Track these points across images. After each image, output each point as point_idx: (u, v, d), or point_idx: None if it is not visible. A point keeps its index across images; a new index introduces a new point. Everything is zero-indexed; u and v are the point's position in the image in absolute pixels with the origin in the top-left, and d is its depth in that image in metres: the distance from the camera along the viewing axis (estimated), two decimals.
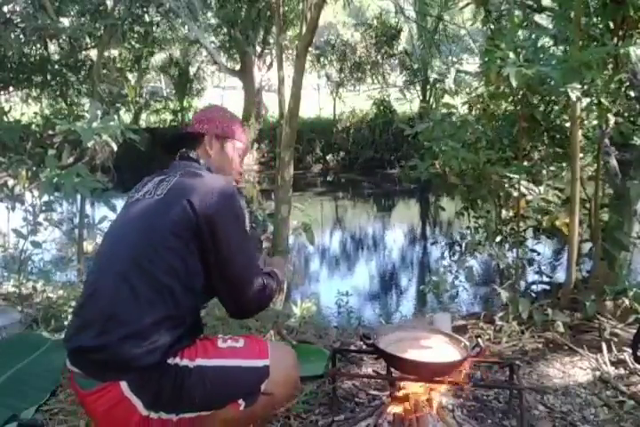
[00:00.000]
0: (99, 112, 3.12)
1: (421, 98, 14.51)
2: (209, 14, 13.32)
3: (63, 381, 2.25)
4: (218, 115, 1.77)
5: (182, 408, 1.41)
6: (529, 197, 3.08)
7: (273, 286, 1.59)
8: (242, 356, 1.48)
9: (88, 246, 4.50)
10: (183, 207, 1.43)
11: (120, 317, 1.36)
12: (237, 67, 15.90)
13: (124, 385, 1.35)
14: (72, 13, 6.37)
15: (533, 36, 2.66)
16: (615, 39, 2.73)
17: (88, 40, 6.57)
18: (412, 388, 1.89)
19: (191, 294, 1.44)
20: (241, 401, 1.44)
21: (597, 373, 2.41)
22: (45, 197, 3.13)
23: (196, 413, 1.42)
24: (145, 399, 1.37)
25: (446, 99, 3.65)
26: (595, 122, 3.02)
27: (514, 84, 2.34)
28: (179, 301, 1.41)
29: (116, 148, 3.17)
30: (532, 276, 3.64)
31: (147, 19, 7.03)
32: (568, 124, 3.11)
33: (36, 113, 8.17)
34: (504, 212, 3.41)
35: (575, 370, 2.46)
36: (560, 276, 3.67)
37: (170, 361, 1.38)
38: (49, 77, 7.08)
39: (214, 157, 1.72)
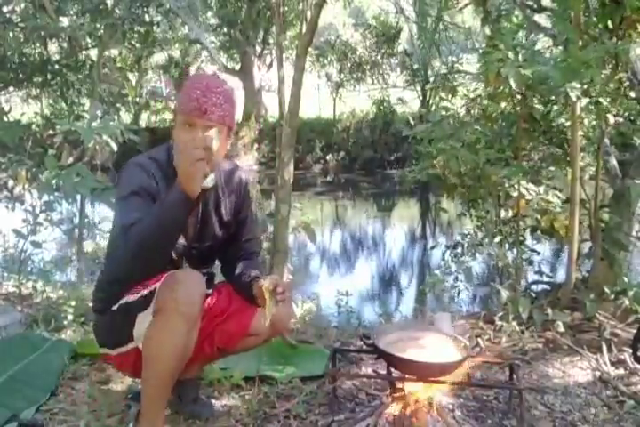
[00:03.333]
0: (99, 112, 3.13)
1: (421, 98, 14.51)
2: (209, 14, 13.33)
3: (63, 381, 2.26)
4: (232, 106, 1.67)
5: (115, 344, 1.71)
6: (528, 198, 3.08)
7: (138, 227, 1.49)
8: (145, 288, 1.62)
9: (88, 246, 4.51)
10: None
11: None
12: (237, 67, 15.90)
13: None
14: (72, 13, 6.37)
15: (532, 36, 2.66)
16: (614, 39, 2.73)
17: (88, 40, 6.57)
18: (412, 388, 1.89)
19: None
20: (137, 323, 1.62)
21: (597, 373, 2.41)
22: (45, 197, 3.13)
23: (126, 346, 1.68)
24: (97, 339, 1.78)
25: (445, 99, 3.65)
26: (594, 122, 3.02)
27: (513, 84, 2.34)
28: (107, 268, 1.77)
29: (116, 148, 3.17)
30: (531, 276, 3.64)
31: (147, 19, 7.03)
32: (567, 124, 3.12)
33: (36, 113, 8.17)
34: (503, 212, 3.41)
35: (575, 370, 2.46)
36: (560, 276, 3.67)
37: (112, 308, 1.68)
38: (49, 77, 7.08)
39: (177, 134, 1.66)
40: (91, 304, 1.86)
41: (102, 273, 1.82)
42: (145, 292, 1.60)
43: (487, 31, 3.26)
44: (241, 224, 1.87)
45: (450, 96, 3.60)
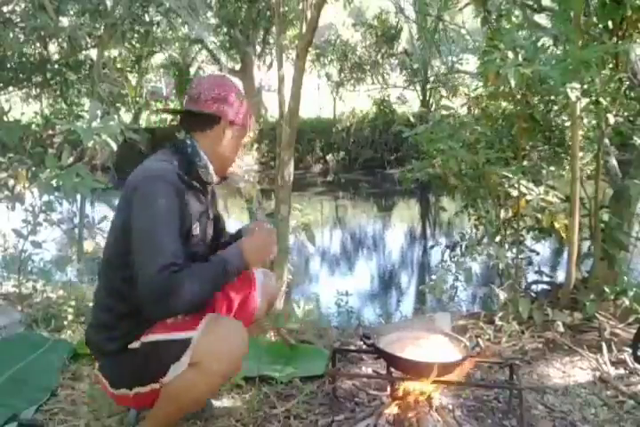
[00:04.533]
0: (99, 112, 3.12)
1: (421, 98, 14.51)
2: (209, 14, 13.32)
3: (63, 381, 2.26)
4: (235, 97, 1.62)
5: (136, 384, 1.57)
6: (528, 197, 3.08)
7: (189, 285, 1.37)
8: (178, 329, 1.49)
9: (88, 246, 4.50)
10: (121, 204, 1.54)
11: (94, 311, 1.68)
12: (237, 67, 15.89)
13: (97, 365, 1.67)
14: (72, 13, 6.37)
15: (532, 35, 2.66)
16: (614, 39, 2.73)
17: (88, 40, 6.57)
18: (412, 388, 1.89)
19: (132, 285, 1.43)
20: (170, 371, 1.48)
21: (597, 373, 2.41)
22: (45, 197, 3.13)
23: (147, 387, 1.55)
24: (110, 380, 1.61)
25: (445, 99, 3.65)
26: (594, 122, 3.02)
27: (512, 84, 2.34)
28: (123, 295, 1.54)
29: (115, 148, 3.17)
30: (531, 276, 3.64)
31: (147, 18, 7.03)
32: (567, 124, 3.11)
33: (36, 113, 8.17)
34: (503, 212, 3.41)
35: (575, 370, 2.46)
36: (560, 276, 3.67)
37: (130, 346, 1.55)
38: (49, 77, 7.08)
39: (225, 145, 1.63)
40: (93, 338, 1.67)
41: (118, 303, 1.53)
42: (179, 337, 1.47)
43: (487, 31, 3.26)
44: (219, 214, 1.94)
45: (450, 96, 3.59)
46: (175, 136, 1.65)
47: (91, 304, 1.84)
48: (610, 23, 2.74)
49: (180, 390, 1.47)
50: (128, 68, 12.95)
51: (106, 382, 1.61)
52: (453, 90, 12.82)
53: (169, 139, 1.73)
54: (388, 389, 2.01)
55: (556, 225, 3.07)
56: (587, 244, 3.14)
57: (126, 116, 13.75)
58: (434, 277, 3.24)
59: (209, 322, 1.50)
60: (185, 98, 1.64)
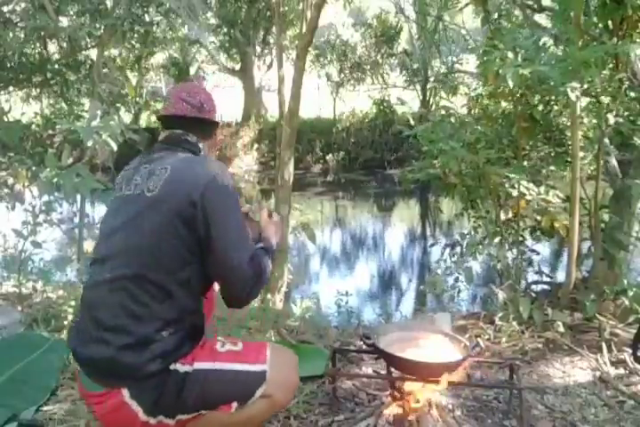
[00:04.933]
0: (99, 112, 3.12)
1: (421, 98, 14.52)
2: (209, 14, 13.33)
3: (63, 381, 2.26)
4: (214, 102, 1.68)
5: (179, 412, 1.41)
6: (528, 197, 3.08)
7: (267, 263, 1.53)
8: (239, 360, 1.47)
9: (88, 246, 4.50)
10: (180, 204, 1.41)
11: (120, 326, 1.36)
12: (237, 67, 15.90)
13: (124, 392, 1.37)
14: (72, 13, 6.38)
15: (532, 35, 2.66)
16: (614, 39, 2.73)
17: (88, 40, 6.57)
18: (412, 388, 1.90)
19: (188, 291, 1.43)
20: (234, 404, 1.44)
21: (597, 373, 2.41)
22: (45, 197, 3.13)
23: (192, 414, 1.43)
24: (145, 406, 1.38)
25: (445, 99, 3.65)
26: (594, 122, 3.02)
27: (511, 83, 2.34)
28: (177, 302, 1.41)
29: (115, 148, 3.17)
30: (531, 276, 3.64)
31: (147, 19, 7.03)
32: (567, 124, 3.12)
33: (36, 113, 8.18)
34: (503, 212, 3.41)
35: (575, 370, 2.46)
36: (560, 276, 3.67)
37: (171, 367, 1.39)
38: (49, 77, 7.08)
39: (213, 151, 1.71)
40: (131, 361, 1.36)
41: (168, 310, 1.41)
42: (252, 369, 1.46)
43: (487, 31, 3.26)
44: None
45: (450, 96, 3.59)
46: (186, 139, 1.60)
47: (133, 364, 1.43)
48: (610, 23, 2.74)
49: (246, 419, 1.47)
50: (128, 68, 12.96)
51: (138, 410, 1.38)
52: (453, 90, 12.83)
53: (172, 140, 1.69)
54: (388, 389, 2.01)
55: (556, 225, 3.07)
56: (587, 244, 3.14)
57: (126, 117, 13.75)
58: (434, 278, 3.24)
59: (273, 353, 1.53)
60: (179, 104, 1.60)
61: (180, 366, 1.40)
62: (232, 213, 1.47)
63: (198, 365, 1.42)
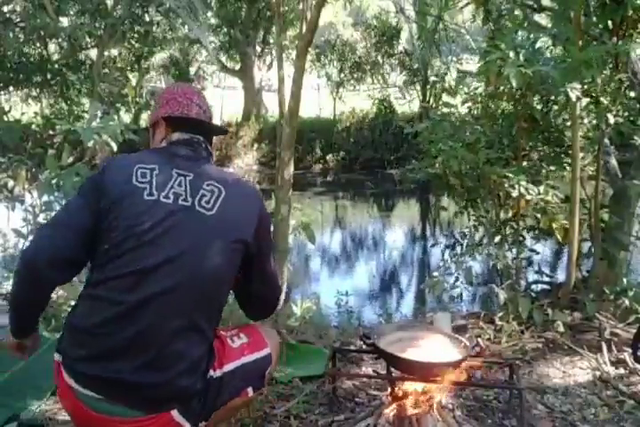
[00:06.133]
0: (99, 112, 3.12)
1: (421, 98, 14.51)
2: (209, 14, 13.34)
3: None
4: None
5: (214, 411, 1.45)
6: (528, 197, 3.08)
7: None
8: (253, 350, 1.56)
9: None
10: (241, 231, 1.40)
11: (178, 353, 1.32)
12: (237, 67, 15.90)
13: (174, 412, 1.34)
14: (72, 13, 6.38)
15: (532, 35, 2.66)
16: (614, 39, 2.73)
17: (88, 40, 6.58)
18: (412, 388, 1.89)
19: (222, 311, 1.49)
20: (249, 389, 1.51)
21: (597, 373, 2.41)
22: (45, 197, 3.13)
23: (221, 409, 1.48)
24: (191, 418, 1.37)
25: (445, 99, 3.65)
26: (594, 122, 3.02)
27: (514, 84, 2.34)
28: (217, 323, 1.49)
29: (115, 148, 3.17)
30: (531, 276, 3.64)
31: (147, 18, 7.04)
32: (567, 124, 3.12)
33: (36, 113, 8.18)
34: (503, 212, 3.41)
35: (575, 370, 2.46)
36: (560, 276, 3.67)
37: (207, 376, 1.40)
38: (49, 77, 7.09)
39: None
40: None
41: (211, 330, 1.42)
42: (262, 355, 1.55)
43: (488, 31, 3.26)
44: None
45: (449, 96, 3.60)
46: (206, 147, 1.55)
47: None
48: (610, 23, 2.74)
49: (253, 398, 1.59)
50: (128, 68, 12.96)
51: (185, 424, 1.36)
52: (453, 90, 12.81)
53: (194, 146, 1.66)
54: (388, 389, 2.01)
55: (554, 226, 3.07)
56: (587, 244, 3.14)
57: (126, 117, 13.74)
58: (434, 278, 3.24)
59: (265, 335, 1.63)
60: (195, 109, 1.55)
61: (214, 373, 1.42)
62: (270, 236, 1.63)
63: (228, 367, 1.46)
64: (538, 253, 3.49)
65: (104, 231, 1.36)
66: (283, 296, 1.71)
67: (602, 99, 2.73)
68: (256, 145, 14.89)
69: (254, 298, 1.58)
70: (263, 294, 1.59)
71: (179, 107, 1.53)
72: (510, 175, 3.01)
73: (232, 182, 1.46)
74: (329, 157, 14.52)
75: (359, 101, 15.10)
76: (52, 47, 7.72)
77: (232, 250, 1.39)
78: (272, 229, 1.62)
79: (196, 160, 1.48)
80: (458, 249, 3.63)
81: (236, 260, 1.41)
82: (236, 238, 1.39)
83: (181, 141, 1.51)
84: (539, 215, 3.17)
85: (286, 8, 11.61)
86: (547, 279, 3.62)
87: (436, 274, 3.18)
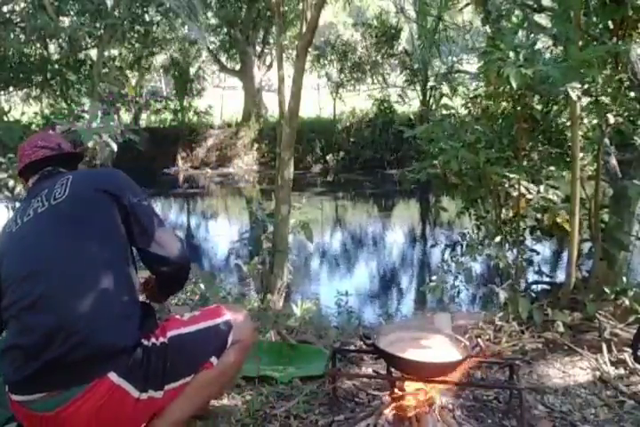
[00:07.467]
0: (99, 112, 3.12)
1: (421, 98, 14.52)
2: (209, 14, 13.34)
3: None
4: (67, 142, 1.89)
5: (168, 381, 1.48)
6: (529, 197, 3.08)
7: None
8: (205, 319, 1.62)
9: None
10: (98, 194, 1.55)
11: (86, 314, 1.40)
12: (237, 67, 15.91)
13: (113, 376, 1.40)
14: (72, 13, 6.38)
15: (532, 35, 2.66)
16: (615, 39, 2.73)
17: (88, 40, 6.58)
18: (412, 388, 1.90)
19: (127, 268, 1.55)
20: (213, 358, 1.57)
21: (597, 373, 2.41)
22: None
23: (179, 382, 1.51)
24: (135, 382, 1.42)
25: (445, 99, 3.65)
26: (594, 122, 3.02)
27: (514, 84, 2.34)
28: (126, 280, 1.52)
29: (115, 148, 3.17)
30: (532, 276, 3.64)
31: (146, 18, 7.04)
32: (567, 124, 3.11)
33: (36, 113, 8.19)
34: (504, 212, 3.41)
35: (575, 370, 2.46)
36: (560, 276, 3.67)
37: (146, 343, 1.47)
38: (49, 77, 7.09)
39: None
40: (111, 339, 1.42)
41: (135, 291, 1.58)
42: (218, 322, 1.61)
43: (488, 31, 3.26)
44: None
45: (450, 95, 3.60)
46: (59, 172, 1.74)
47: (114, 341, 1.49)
48: (610, 23, 2.74)
49: (228, 367, 1.61)
50: (128, 68, 12.97)
51: (129, 389, 1.41)
52: (453, 90, 12.80)
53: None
54: (388, 389, 2.01)
55: (559, 220, 3.06)
56: (587, 244, 3.14)
57: (126, 116, 13.75)
58: (434, 277, 3.24)
59: (227, 307, 1.70)
60: (38, 152, 1.76)
61: (155, 340, 1.50)
62: (146, 199, 1.66)
63: (172, 333, 1.54)
64: (538, 253, 3.49)
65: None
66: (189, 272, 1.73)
67: (602, 99, 2.73)
68: (256, 145, 14.90)
69: (141, 252, 1.61)
70: (146, 247, 1.59)
71: (26, 158, 1.77)
72: (510, 175, 3.01)
73: (82, 170, 1.71)
74: (329, 157, 14.54)
75: (359, 101, 15.10)
76: (52, 47, 7.72)
77: (101, 210, 1.54)
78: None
79: (52, 180, 1.65)
80: (458, 249, 3.63)
81: (105, 217, 1.54)
82: (94, 196, 1.56)
83: (35, 183, 1.72)
84: (539, 215, 3.17)
85: (286, 8, 11.62)
86: (547, 279, 3.62)
87: (434, 278, 3.18)
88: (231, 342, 1.60)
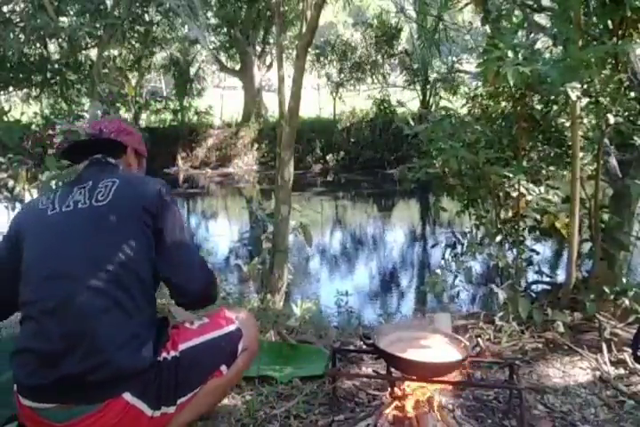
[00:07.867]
0: (99, 112, 3.12)
1: (421, 98, 14.52)
2: (209, 14, 13.34)
3: None
4: (134, 129, 1.82)
5: (180, 395, 1.47)
6: (528, 197, 3.08)
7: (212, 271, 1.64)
8: (214, 327, 1.60)
9: None
10: (137, 211, 1.48)
11: (108, 332, 1.36)
12: (237, 67, 15.91)
13: (127, 395, 1.37)
14: (72, 13, 6.38)
15: (532, 35, 2.66)
16: (614, 39, 2.73)
17: (88, 40, 6.57)
18: (412, 388, 1.89)
19: (151, 288, 1.51)
20: (223, 367, 1.56)
21: (597, 373, 2.41)
22: None
23: (191, 394, 1.50)
24: (149, 401, 1.40)
25: (444, 103, 3.65)
26: (594, 122, 3.02)
27: (511, 82, 2.34)
28: (149, 299, 1.49)
29: None
30: (531, 276, 3.64)
31: (146, 18, 7.03)
32: (567, 124, 3.11)
33: (35, 113, 8.18)
34: (503, 212, 3.41)
35: (575, 370, 2.46)
36: (560, 276, 3.67)
37: (158, 358, 1.44)
38: (49, 77, 7.09)
39: (138, 172, 1.80)
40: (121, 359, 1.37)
41: (151, 309, 1.50)
42: (228, 330, 1.60)
43: (488, 30, 3.26)
44: None
45: (450, 96, 3.60)
46: (107, 160, 1.70)
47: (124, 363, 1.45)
48: (610, 23, 2.74)
49: (235, 375, 1.62)
50: (128, 68, 12.97)
51: (142, 407, 1.40)
52: (453, 90, 12.84)
53: (86, 141, 1.80)
54: (388, 389, 2.01)
55: (557, 224, 3.06)
56: (587, 244, 3.14)
57: (126, 117, 13.74)
58: (433, 278, 3.23)
59: (232, 313, 1.68)
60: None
61: (167, 354, 1.46)
62: (181, 219, 1.58)
63: (183, 346, 1.50)
64: (538, 253, 3.49)
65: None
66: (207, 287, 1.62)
67: (602, 99, 2.72)
68: (256, 145, 14.91)
69: (164, 280, 1.55)
70: (174, 278, 1.52)
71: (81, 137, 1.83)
72: (510, 175, 3.01)
73: (120, 177, 1.58)
74: (329, 157, 14.54)
75: (359, 101, 15.11)
76: (52, 47, 7.72)
77: (132, 227, 1.47)
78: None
79: (99, 172, 1.62)
80: (458, 249, 3.63)
81: (139, 234, 1.47)
82: (134, 213, 1.48)
83: (85, 169, 1.67)
84: (538, 216, 3.17)
85: (286, 8, 11.62)
86: (547, 279, 3.62)
87: (435, 275, 3.18)
88: (241, 350, 1.61)
